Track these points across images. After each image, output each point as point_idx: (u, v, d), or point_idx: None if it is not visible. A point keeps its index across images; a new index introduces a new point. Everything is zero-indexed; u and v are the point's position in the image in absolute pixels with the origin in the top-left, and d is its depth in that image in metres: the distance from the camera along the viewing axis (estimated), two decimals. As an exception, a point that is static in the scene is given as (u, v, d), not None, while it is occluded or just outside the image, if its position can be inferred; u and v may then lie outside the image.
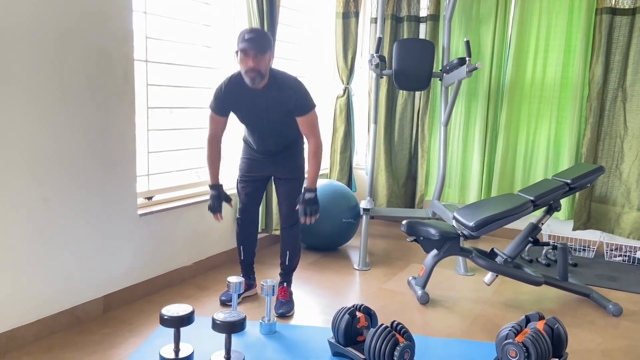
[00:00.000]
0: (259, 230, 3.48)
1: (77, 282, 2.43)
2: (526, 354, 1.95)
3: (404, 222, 2.91)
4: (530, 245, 2.94)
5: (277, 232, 3.62)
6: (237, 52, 2.35)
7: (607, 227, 3.87)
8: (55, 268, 2.32)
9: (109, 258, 2.58)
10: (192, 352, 2.09)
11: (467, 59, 3.38)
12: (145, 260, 2.79)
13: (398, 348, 1.94)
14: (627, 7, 3.63)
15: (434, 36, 4.25)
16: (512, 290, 3.10)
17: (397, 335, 2.00)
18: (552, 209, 2.91)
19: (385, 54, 4.37)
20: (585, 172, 2.91)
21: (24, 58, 2.09)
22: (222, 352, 2.08)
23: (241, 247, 2.81)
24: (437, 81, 4.26)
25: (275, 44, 3.37)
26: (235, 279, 2.41)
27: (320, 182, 3.79)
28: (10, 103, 2.07)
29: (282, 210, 2.70)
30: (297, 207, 2.56)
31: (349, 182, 4.48)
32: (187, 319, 2.01)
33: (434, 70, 3.83)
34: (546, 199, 2.81)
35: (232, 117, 2.60)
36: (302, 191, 2.58)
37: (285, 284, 2.76)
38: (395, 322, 2.08)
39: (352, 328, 2.16)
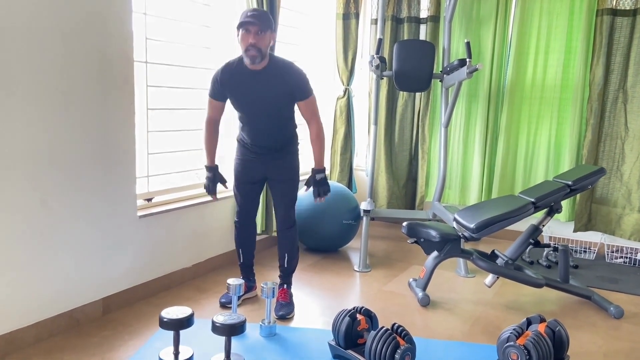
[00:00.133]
0: (259, 232, 3.48)
1: (76, 284, 2.42)
2: (527, 356, 1.94)
3: (404, 223, 2.90)
4: (531, 247, 2.93)
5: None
6: (237, 30, 2.34)
7: (608, 228, 3.86)
8: (54, 270, 2.32)
9: (109, 260, 2.57)
10: (192, 355, 2.08)
11: (467, 60, 3.37)
12: (145, 262, 2.78)
13: (399, 351, 1.93)
14: (628, 8, 3.63)
15: (435, 37, 4.24)
16: (513, 292, 3.09)
17: (398, 338, 1.99)
18: (553, 210, 2.90)
19: (386, 55, 4.37)
20: (586, 173, 2.90)
21: (24, 59, 2.09)
22: (222, 355, 2.07)
23: (240, 250, 2.80)
24: (437, 82, 4.25)
25: (276, 46, 3.36)
26: (235, 281, 2.40)
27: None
28: (10, 104, 2.06)
29: (278, 213, 2.67)
30: (306, 189, 2.64)
31: (349, 183, 4.47)
32: (186, 322, 2.00)
33: (434, 72, 3.82)
34: (547, 200, 2.80)
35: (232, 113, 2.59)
36: (312, 173, 2.60)
37: (285, 286, 2.75)
38: (396, 325, 2.07)
39: (352, 330, 2.15)
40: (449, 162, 4.34)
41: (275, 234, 3.62)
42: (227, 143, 3.32)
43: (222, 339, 2.07)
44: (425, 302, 2.85)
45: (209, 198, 3.18)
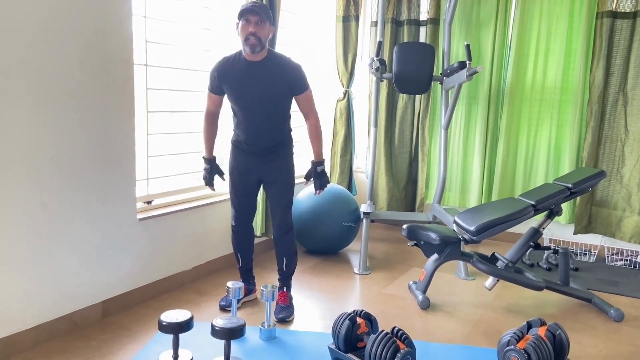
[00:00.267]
0: (259, 234, 3.47)
1: (76, 287, 2.42)
2: (528, 360, 1.94)
3: (404, 226, 2.90)
4: (531, 249, 2.93)
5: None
6: (237, 22, 2.39)
7: (608, 231, 3.86)
8: (54, 273, 2.31)
9: (108, 263, 2.56)
10: (192, 359, 2.07)
11: (467, 62, 3.37)
12: (144, 264, 2.78)
13: (399, 355, 1.93)
14: (627, 10, 3.63)
15: (434, 40, 4.24)
16: (513, 295, 3.09)
17: (398, 342, 1.99)
18: (553, 213, 2.90)
19: (386, 57, 4.37)
20: (586, 176, 2.90)
21: (24, 63, 2.09)
22: (222, 359, 2.07)
23: (238, 254, 2.79)
24: (437, 85, 4.25)
25: (276, 48, 3.36)
26: (234, 284, 2.39)
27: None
28: (10, 107, 2.06)
29: (275, 217, 2.65)
30: (306, 183, 2.67)
31: (349, 185, 4.47)
32: (185, 325, 2.00)
33: (434, 74, 3.82)
34: (547, 203, 2.80)
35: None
36: (312, 165, 2.63)
37: (284, 289, 2.74)
38: (396, 329, 2.07)
39: (352, 334, 2.14)
40: (449, 164, 4.34)
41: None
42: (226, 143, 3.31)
43: (222, 342, 2.07)
44: (426, 305, 2.84)
45: (209, 200, 3.20)
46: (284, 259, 2.69)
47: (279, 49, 3.55)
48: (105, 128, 2.46)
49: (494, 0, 4.02)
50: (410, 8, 4.33)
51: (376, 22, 4.41)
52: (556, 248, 2.98)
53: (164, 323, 1.98)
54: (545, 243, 4.04)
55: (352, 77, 4.35)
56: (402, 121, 4.47)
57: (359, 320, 2.18)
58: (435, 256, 2.92)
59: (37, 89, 2.15)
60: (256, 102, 2.48)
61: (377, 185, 4.55)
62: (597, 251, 3.90)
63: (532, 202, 2.78)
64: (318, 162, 2.63)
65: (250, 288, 2.85)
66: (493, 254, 2.96)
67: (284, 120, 2.59)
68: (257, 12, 2.34)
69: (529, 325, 2.16)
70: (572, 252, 3.91)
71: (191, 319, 2.02)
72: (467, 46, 3.44)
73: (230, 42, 3.30)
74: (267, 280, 3.17)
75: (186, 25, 3.07)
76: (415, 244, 2.90)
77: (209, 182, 2.71)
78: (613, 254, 3.83)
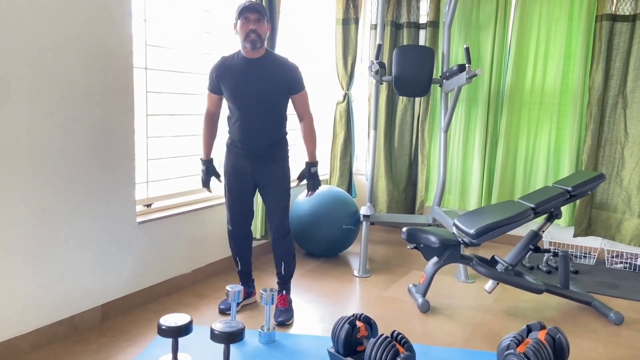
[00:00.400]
0: (259, 237, 3.47)
1: (75, 291, 2.42)
2: (528, 364, 1.94)
3: (404, 229, 2.90)
4: (531, 252, 2.93)
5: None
6: (235, 22, 2.45)
7: (608, 233, 3.86)
8: (53, 276, 2.31)
9: (108, 266, 2.56)
10: (191, 363, 2.07)
11: (466, 65, 3.38)
12: (144, 268, 2.78)
13: (398, 359, 1.92)
14: (627, 13, 3.63)
15: (434, 42, 4.25)
16: (513, 298, 3.09)
17: (398, 346, 1.98)
18: (552, 216, 2.90)
19: (385, 60, 4.37)
20: (586, 179, 2.90)
21: (23, 67, 2.09)
22: (221, 362, 2.07)
23: (237, 257, 2.79)
24: (437, 87, 4.26)
25: (275, 51, 3.37)
26: (234, 287, 2.39)
27: (320, 189, 3.78)
28: (10, 109, 2.06)
29: (272, 221, 2.64)
30: (299, 183, 2.67)
31: (349, 188, 4.47)
32: (185, 329, 2.00)
33: (433, 77, 3.82)
34: (547, 206, 2.80)
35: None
36: (306, 166, 2.64)
37: (284, 292, 2.74)
38: (396, 332, 2.06)
39: (352, 338, 2.14)
40: (449, 167, 4.35)
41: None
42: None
43: (221, 346, 2.07)
44: (425, 308, 2.84)
45: (209, 203, 3.19)
46: (282, 262, 2.69)
47: (279, 51, 3.56)
48: (105, 131, 2.46)
49: (493, 3, 4.03)
50: (409, 11, 4.34)
51: (376, 25, 4.42)
52: (556, 251, 2.98)
53: (163, 327, 1.98)
54: (545, 246, 4.04)
55: (351, 80, 4.35)
56: (401, 124, 4.47)
57: (358, 323, 2.18)
58: (435, 259, 2.92)
59: (37, 93, 2.15)
60: (254, 98, 2.49)
61: (377, 188, 4.55)
62: (597, 254, 3.90)
63: (532, 205, 2.78)
64: (312, 163, 2.64)
65: (249, 291, 2.85)
66: (493, 257, 2.96)
67: (280, 121, 2.59)
68: (256, 10, 2.41)
69: (529, 329, 2.15)
70: (572, 254, 3.91)
71: (190, 322, 2.02)
72: (467, 49, 3.45)
73: (230, 44, 3.30)
74: (267, 284, 3.17)
75: (186, 28, 3.07)
76: (415, 247, 2.90)
77: (205, 183, 2.72)
78: (613, 257, 3.83)
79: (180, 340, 2.33)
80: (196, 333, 2.39)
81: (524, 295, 3.12)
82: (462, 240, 2.85)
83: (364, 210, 3.71)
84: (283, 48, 3.89)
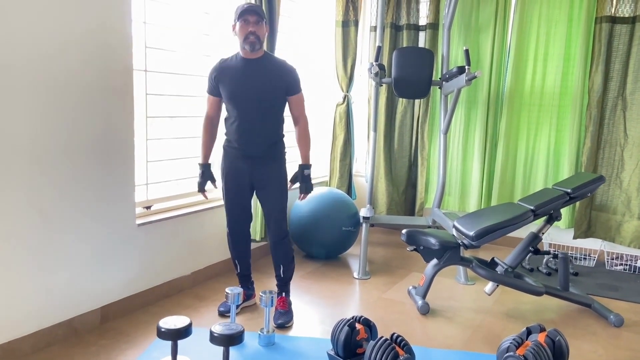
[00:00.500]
0: (258, 239, 3.47)
1: (75, 293, 2.42)
2: (527, 367, 1.93)
3: (403, 231, 2.90)
4: (530, 254, 2.92)
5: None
6: (234, 24, 2.48)
7: (607, 235, 3.86)
8: (52, 278, 2.31)
9: (107, 268, 2.56)
10: (190, 365, 2.07)
11: (466, 67, 3.38)
12: (144, 270, 2.78)
13: (398, 361, 1.92)
14: (627, 15, 3.64)
15: (434, 44, 4.25)
16: (513, 300, 3.08)
17: (397, 348, 1.98)
18: (552, 218, 2.90)
19: (385, 62, 4.38)
20: (585, 181, 2.90)
21: (23, 69, 2.09)
22: (220, 365, 2.07)
23: (236, 260, 2.79)
24: (436, 89, 4.26)
25: (275, 53, 3.37)
26: (233, 290, 2.39)
27: (320, 190, 3.78)
28: (9, 111, 2.06)
29: (269, 224, 2.64)
30: (291, 185, 2.64)
31: (349, 189, 4.47)
32: (184, 332, 1.99)
33: (433, 79, 3.83)
34: (546, 208, 2.80)
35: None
36: (299, 169, 2.63)
37: (283, 294, 2.74)
38: (395, 335, 2.06)
39: (351, 340, 2.14)
40: (449, 169, 4.35)
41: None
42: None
43: (221, 348, 2.06)
44: (425, 310, 2.84)
45: (208, 205, 3.19)
46: (281, 265, 2.69)
47: (279, 53, 3.56)
48: (105, 133, 2.46)
49: (492, 5, 4.03)
50: (409, 13, 4.34)
51: (375, 27, 4.42)
52: (556, 253, 2.97)
53: (163, 329, 1.98)
54: (545, 248, 4.04)
55: (351, 82, 4.35)
56: (401, 125, 4.47)
57: (358, 326, 2.18)
58: (434, 261, 2.92)
59: (37, 95, 2.15)
60: (252, 97, 2.50)
61: (377, 190, 4.55)
62: (596, 256, 3.89)
63: (532, 207, 2.78)
64: (305, 165, 2.64)
65: (249, 293, 2.85)
66: (492, 258, 2.96)
67: (278, 122, 2.59)
68: (255, 12, 2.45)
69: (529, 331, 2.15)
70: (572, 256, 3.91)
71: (190, 325, 2.02)
72: (466, 51, 3.45)
73: (229, 46, 3.30)
74: (267, 286, 3.17)
75: (185, 30, 3.07)
76: (415, 249, 2.90)
77: (201, 187, 2.69)
78: (613, 259, 3.83)
79: (180, 342, 2.33)
80: (196, 335, 2.39)
81: (524, 298, 3.12)
82: (462, 242, 2.85)
83: (363, 212, 3.70)
84: (283, 50, 3.89)
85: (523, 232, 3.89)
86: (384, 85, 4.27)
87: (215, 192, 3.27)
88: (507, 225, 2.69)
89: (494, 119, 4.15)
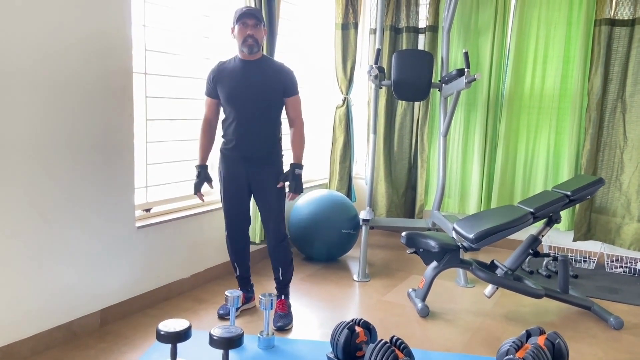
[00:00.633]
0: (258, 242, 3.47)
1: (74, 296, 2.42)
2: (527, 370, 1.93)
3: (403, 234, 2.90)
4: (530, 257, 2.92)
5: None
6: (233, 27, 2.51)
7: (607, 238, 3.86)
8: (52, 282, 2.31)
9: (107, 271, 2.56)
10: (190, 368, 2.07)
11: (465, 70, 3.38)
12: (143, 273, 2.77)
13: (397, 364, 1.92)
14: (626, 18, 3.64)
15: (433, 47, 4.26)
16: (512, 303, 3.08)
17: (397, 351, 1.98)
18: (552, 221, 2.90)
19: (385, 64, 4.38)
20: (585, 184, 2.90)
21: (23, 71, 2.09)
22: (220, 368, 2.06)
23: (235, 263, 2.78)
24: (436, 91, 4.27)
25: (275, 55, 3.38)
26: (233, 292, 2.39)
27: (320, 193, 3.78)
28: (9, 113, 2.07)
29: (267, 227, 2.64)
30: (281, 184, 2.59)
31: (349, 192, 4.47)
32: (183, 335, 1.99)
33: (433, 81, 3.83)
34: (546, 211, 2.80)
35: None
36: (291, 167, 2.59)
37: (283, 297, 2.74)
38: (395, 338, 2.06)
39: (351, 343, 2.13)
40: (448, 171, 4.35)
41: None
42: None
43: (220, 351, 2.06)
44: (425, 313, 2.84)
45: (208, 208, 3.19)
46: (280, 268, 2.69)
47: (279, 56, 3.57)
48: (105, 136, 2.46)
49: (492, 8, 4.04)
50: (409, 15, 4.35)
51: (375, 30, 4.43)
52: (555, 255, 2.97)
53: (162, 332, 1.98)
54: (545, 250, 4.04)
55: (351, 84, 4.36)
56: (401, 128, 4.48)
57: (357, 329, 2.18)
58: (434, 264, 2.92)
59: (37, 97, 2.15)
60: (250, 98, 2.50)
61: (377, 192, 4.55)
62: (596, 258, 3.89)
63: (531, 210, 2.78)
64: (297, 165, 2.60)
65: (248, 296, 2.85)
66: (492, 261, 2.96)
67: (274, 124, 2.59)
68: (254, 15, 2.47)
69: (528, 334, 2.15)
70: (572, 259, 3.91)
71: (189, 328, 2.02)
72: (466, 54, 3.45)
73: (229, 49, 3.31)
74: (266, 288, 3.17)
75: (185, 33, 3.08)
76: (415, 252, 2.90)
77: (197, 187, 2.66)
78: (612, 261, 3.82)
79: (179, 345, 2.33)
80: (195, 338, 2.39)
81: (524, 300, 3.12)
82: (462, 244, 2.85)
83: (363, 215, 3.70)
84: (283, 52, 3.90)
85: (523, 235, 3.89)
86: (383, 87, 4.28)
87: (213, 195, 3.27)
88: (506, 227, 2.69)
89: (494, 121, 4.15)
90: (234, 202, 2.66)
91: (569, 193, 2.85)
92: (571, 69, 3.86)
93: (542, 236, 2.90)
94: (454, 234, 2.96)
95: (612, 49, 3.71)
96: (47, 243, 2.27)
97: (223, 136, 2.63)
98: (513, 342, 2.08)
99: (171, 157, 3.07)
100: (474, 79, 3.22)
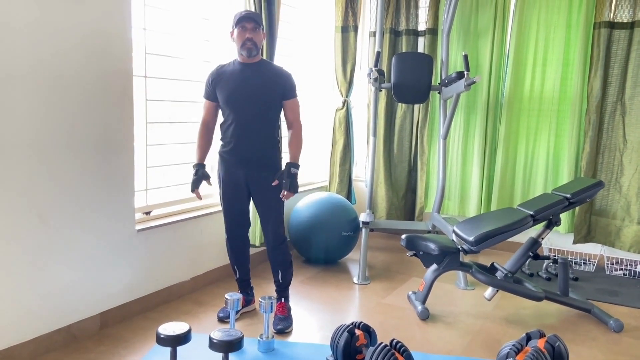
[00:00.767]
0: (258, 244, 3.47)
1: (74, 299, 2.41)
2: (527, 373, 1.93)
3: (403, 236, 2.90)
4: (530, 259, 2.92)
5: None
6: (232, 31, 2.53)
7: (607, 240, 3.86)
8: (52, 284, 2.31)
9: (106, 274, 2.56)
10: (189, 371, 2.06)
11: (465, 72, 3.39)
12: (143, 276, 2.77)
13: (397, 367, 1.92)
14: (625, 21, 3.65)
15: (433, 50, 4.26)
16: (512, 305, 3.08)
17: (397, 354, 1.98)
18: (552, 223, 2.90)
19: (384, 67, 4.39)
20: (585, 186, 2.90)
21: (23, 74, 2.10)
22: (220, 371, 2.06)
23: (235, 266, 2.78)
24: (435, 94, 4.27)
25: (275, 58, 3.38)
26: (232, 295, 2.39)
27: (319, 195, 3.78)
28: (9, 115, 2.07)
29: (266, 230, 2.63)
30: (276, 182, 2.56)
31: (349, 194, 4.47)
32: (183, 338, 1.99)
33: (432, 84, 3.84)
34: (546, 213, 2.80)
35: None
36: (286, 166, 2.58)
37: (283, 300, 2.74)
38: (395, 340, 2.06)
39: (351, 346, 2.13)
40: (448, 173, 4.35)
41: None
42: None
43: (220, 355, 2.06)
44: (425, 316, 2.84)
45: (208, 211, 3.19)
46: (279, 271, 2.69)
47: (279, 59, 3.58)
48: (105, 139, 2.47)
49: (491, 11, 4.05)
50: (408, 18, 4.36)
51: (375, 32, 4.43)
52: (555, 258, 2.98)
53: (162, 336, 1.98)
54: (545, 252, 4.04)
55: (351, 87, 4.36)
56: (401, 130, 4.48)
57: (357, 332, 2.18)
58: (434, 266, 2.92)
59: (36, 100, 2.16)
60: (249, 100, 2.51)
61: (377, 194, 4.55)
62: (596, 261, 3.89)
63: (531, 212, 2.78)
64: (293, 164, 2.58)
65: (248, 299, 2.85)
66: (492, 264, 2.96)
67: (272, 127, 2.60)
68: (253, 19, 2.49)
69: (528, 337, 2.15)
70: (572, 261, 3.91)
71: (189, 331, 2.02)
72: (465, 56, 3.46)
73: (228, 52, 3.31)
74: (266, 291, 3.16)
75: (185, 36, 3.08)
76: (414, 254, 2.90)
77: (195, 184, 2.62)
78: (612, 264, 3.82)
79: (179, 349, 2.33)
80: (195, 342, 2.39)
81: (524, 303, 3.12)
82: (462, 247, 2.85)
83: (363, 217, 3.70)
84: (283, 56, 3.90)
85: (523, 237, 3.89)
86: (383, 90, 4.28)
87: (213, 198, 3.27)
88: (506, 230, 2.69)
89: (493, 123, 4.16)
90: (234, 205, 2.66)
91: (568, 196, 2.85)
92: (571, 72, 3.87)
93: (542, 239, 2.90)
94: (453, 237, 2.97)
95: (611, 52, 3.72)
96: (47, 246, 2.27)
97: (222, 139, 2.63)
98: (513, 345, 2.07)
99: (171, 160, 3.07)
100: (474, 82, 3.23)
